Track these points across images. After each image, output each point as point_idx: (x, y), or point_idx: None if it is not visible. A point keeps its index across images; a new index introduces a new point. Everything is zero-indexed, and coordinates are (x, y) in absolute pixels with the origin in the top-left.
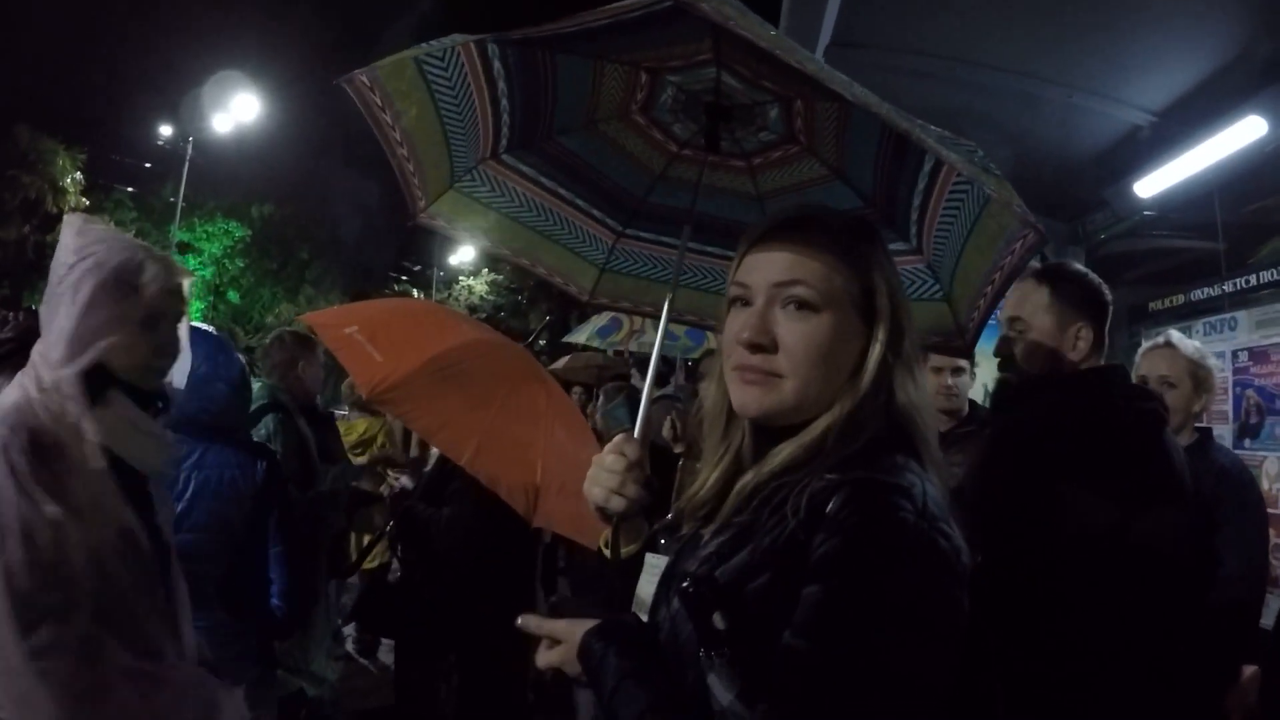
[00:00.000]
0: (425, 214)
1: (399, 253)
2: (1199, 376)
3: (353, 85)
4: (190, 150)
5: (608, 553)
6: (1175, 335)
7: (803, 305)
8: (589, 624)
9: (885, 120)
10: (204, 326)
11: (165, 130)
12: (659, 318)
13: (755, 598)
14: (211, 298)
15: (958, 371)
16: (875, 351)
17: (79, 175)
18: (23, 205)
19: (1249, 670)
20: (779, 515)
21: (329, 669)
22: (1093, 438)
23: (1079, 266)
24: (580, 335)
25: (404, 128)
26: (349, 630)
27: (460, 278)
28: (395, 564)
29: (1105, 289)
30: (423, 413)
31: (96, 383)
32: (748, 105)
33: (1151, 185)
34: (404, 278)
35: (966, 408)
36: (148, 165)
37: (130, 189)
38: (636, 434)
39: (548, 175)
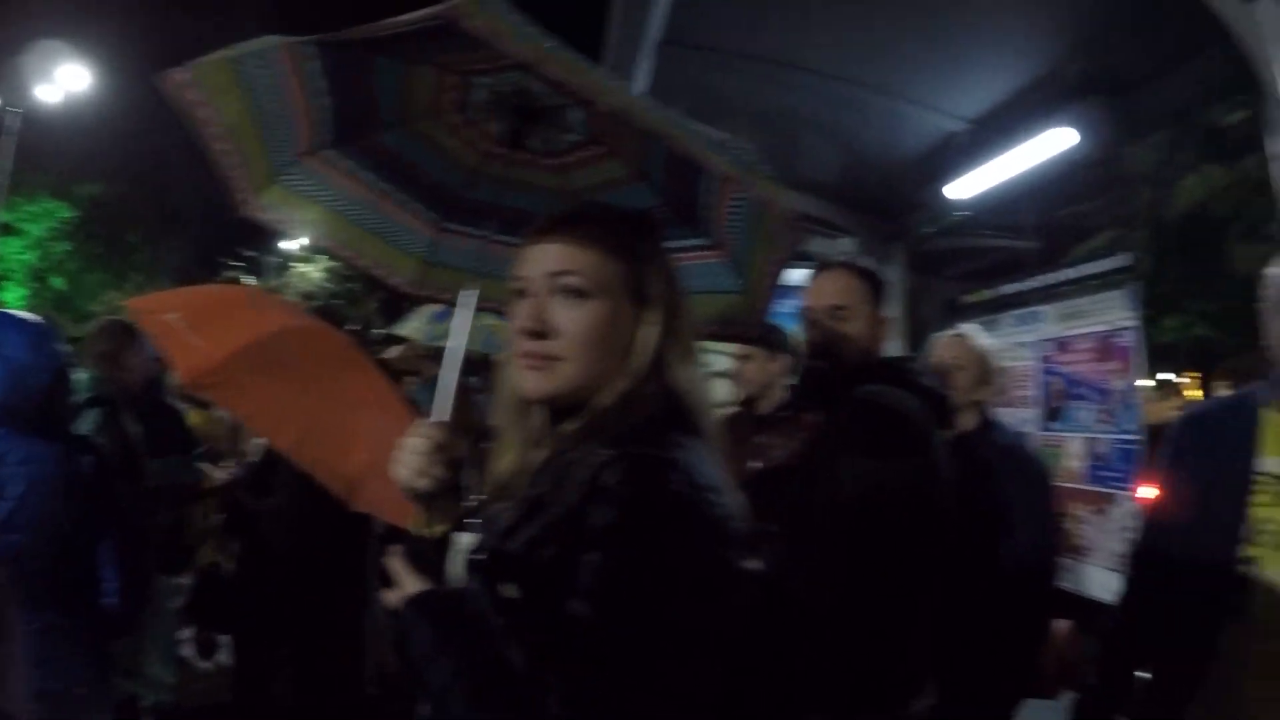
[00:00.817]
0: (252, 206)
1: (236, 238)
2: (985, 366)
3: (169, 83)
4: (14, 123)
5: (423, 533)
6: (967, 328)
7: (575, 293)
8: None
9: (650, 126)
10: (23, 314)
11: None
12: (484, 309)
13: (543, 568)
14: (35, 284)
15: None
16: (647, 334)
17: None
18: None
19: (1061, 626)
20: (563, 489)
21: (165, 672)
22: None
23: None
24: (405, 326)
25: (224, 124)
26: (187, 632)
27: (296, 264)
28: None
29: None
30: (243, 399)
31: None
32: (553, 108)
33: (964, 188)
34: (239, 263)
35: (787, 392)
36: None
37: None
38: (440, 417)
39: (368, 170)
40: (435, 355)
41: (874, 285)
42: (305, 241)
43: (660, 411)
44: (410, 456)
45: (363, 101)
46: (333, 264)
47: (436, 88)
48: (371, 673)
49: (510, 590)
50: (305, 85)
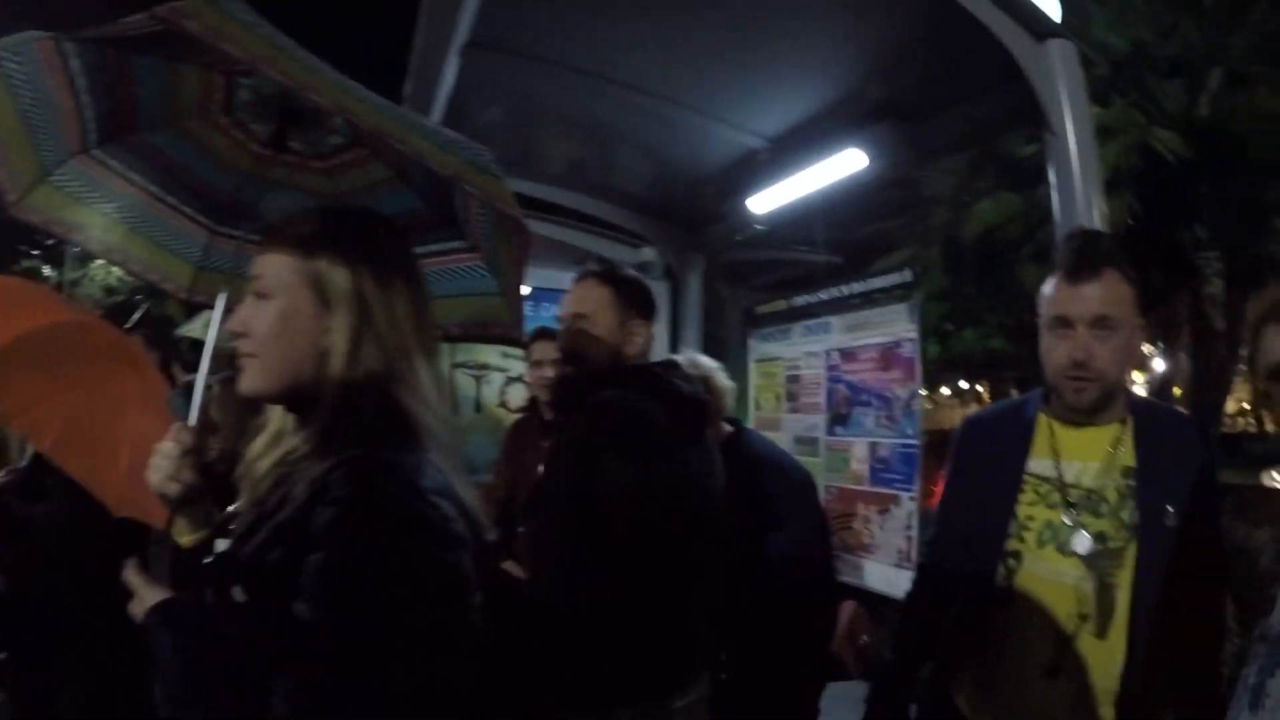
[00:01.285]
0: (18, 206)
1: (27, 235)
2: (712, 386)
3: None
4: None
5: (179, 541)
6: (693, 355)
7: (259, 294)
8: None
9: (374, 127)
10: None
11: None
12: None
13: (270, 570)
14: None
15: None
16: (334, 335)
17: None
18: None
19: (847, 609)
20: (291, 493)
21: None
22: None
23: (630, 270)
24: (194, 327)
25: None
26: None
27: (93, 260)
28: None
29: (651, 291)
30: (3, 394)
31: None
32: (316, 110)
33: (762, 203)
34: (36, 252)
35: None
36: None
37: None
38: (191, 421)
39: (139, 172)
40: (224, 359)
41: (622, 292)
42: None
43: (381, 419)
44: (162, 461)
45: (128, 100)
46: None
47: (202, 87)
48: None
49: (238, 594)
50: (72, 82)
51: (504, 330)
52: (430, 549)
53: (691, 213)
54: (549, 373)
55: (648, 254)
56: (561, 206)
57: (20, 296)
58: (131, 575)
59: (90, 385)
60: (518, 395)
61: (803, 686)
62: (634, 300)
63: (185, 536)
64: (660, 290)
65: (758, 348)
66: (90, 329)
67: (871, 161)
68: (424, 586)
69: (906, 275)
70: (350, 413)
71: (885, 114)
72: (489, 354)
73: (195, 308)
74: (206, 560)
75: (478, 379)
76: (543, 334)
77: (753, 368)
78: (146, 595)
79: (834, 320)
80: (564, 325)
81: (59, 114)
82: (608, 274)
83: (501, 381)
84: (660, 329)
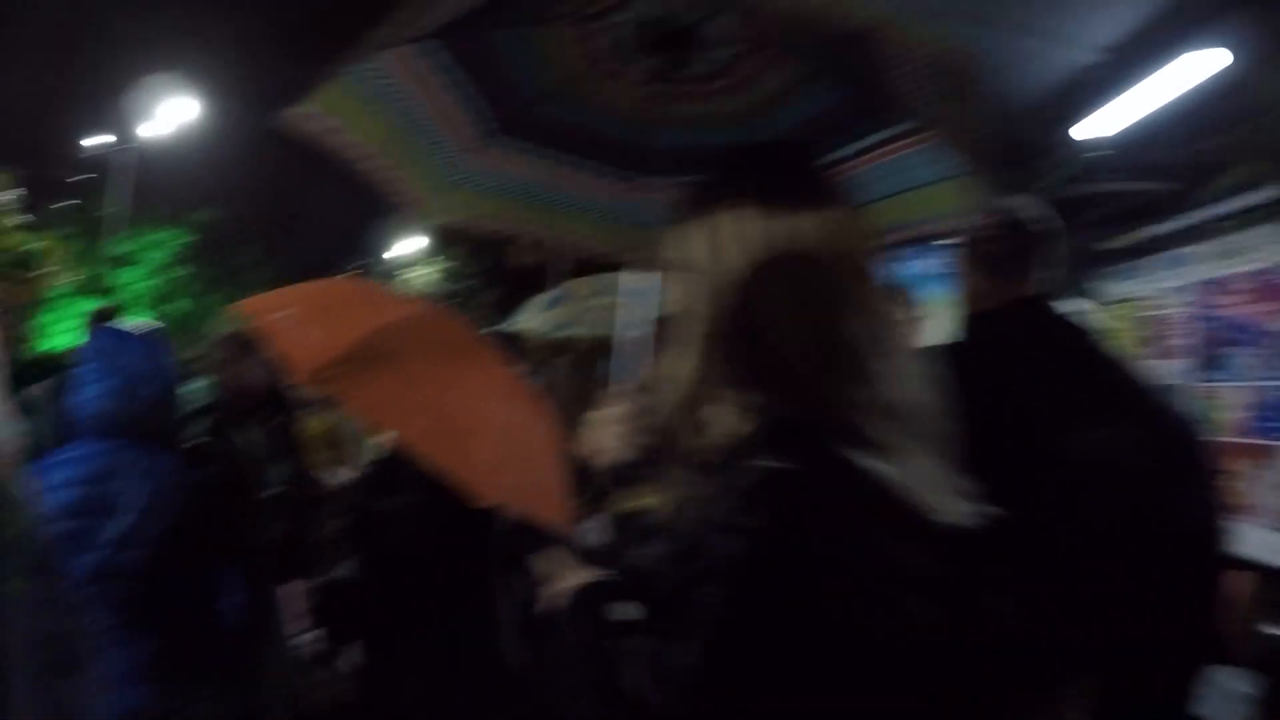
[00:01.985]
0: (427, 212)
1: (350, 247)
2: None
3: (294, 121)
4: (126, 158)
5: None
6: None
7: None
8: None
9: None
10: (135, 325)
11: (100, 139)
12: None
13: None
14: (159, 309)
15: None
16: None
17: (13, 194)
18: None
19: (1242, 581)
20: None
21: (284, 684)
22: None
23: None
24: (517, 322)
25: (366, 143)
26: (309, 637)
27: (411, 266)
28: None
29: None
30: (365, 394)
31: None
32: (697, 24)
33: (1098, 127)
34: (357, 269)
35: None
36: (85, 177)
37: (72, 202)
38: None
39: (542, 148)
40: (551, 348)
41: None
42: (424, 242)
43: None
44: (607, 429)
45: (507, 80)
46: (448, 264)
47: (573, 41)
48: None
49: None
50: (439, 83)
51: (958, 221)
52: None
53: (1012, 148)
54: None
55: None
56: None
57: (364, 296)
58: (552, 558)
59: (445, 375)
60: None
61: (1184, 671)
62: None
63: (628, 505)
64: None
65: (1105, 288)
66: (438, 321)
67: (1235, 61)
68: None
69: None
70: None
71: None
72: None
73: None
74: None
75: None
76: None
77: (1100, 311)
78: (570, 578)
79: (1197, 250)
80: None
81: (435, 118)
82: None
83: None
84: None
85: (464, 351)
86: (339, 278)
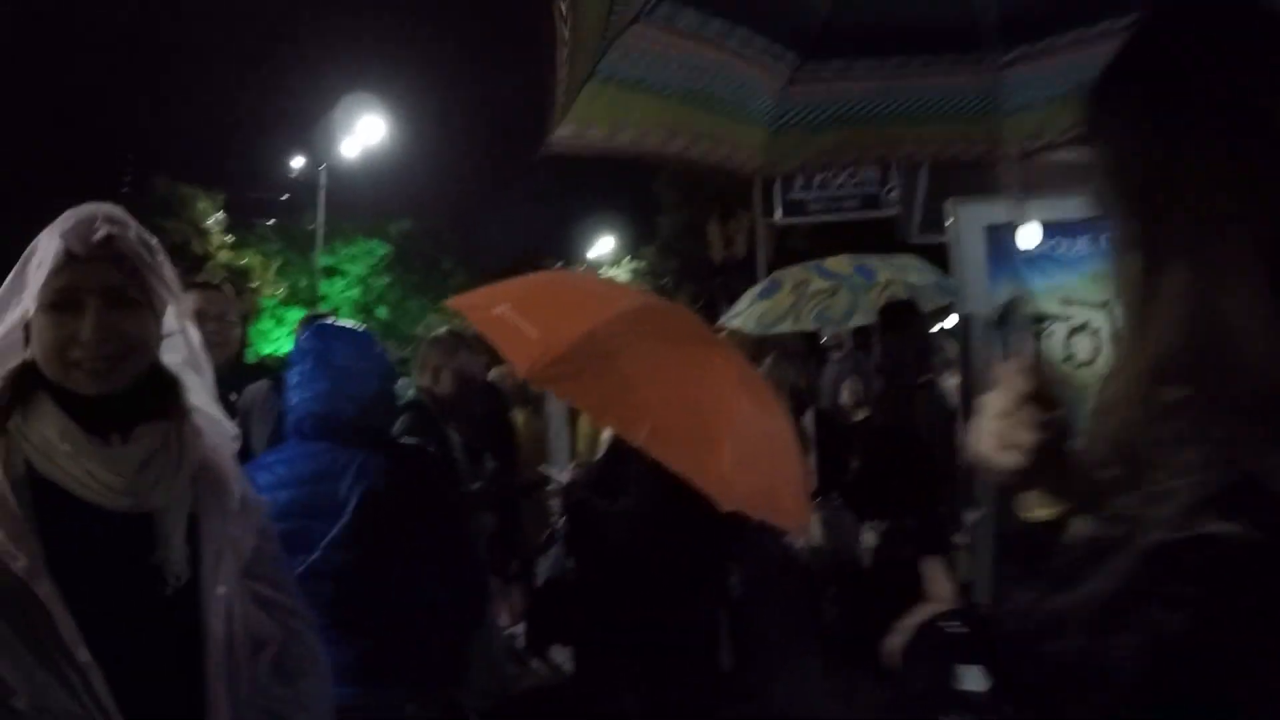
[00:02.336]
0: (555, 141)
1: (539, 252)
2: None
3: (563, 147)
4: (324, 178)
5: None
6: None
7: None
8: None
9: None
10: (348, 324)
11: (298, 161)
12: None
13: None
14: (361, 316)
15: None
16: None
17: (220, 215)
18: (169, 250)
19: None
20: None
21: (490, 679)
22: None
23: None
24: (736, 317)
25: (657, 128)
26: (518, 632)
27: (601, 266)
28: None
29: None
30: (588, 390)
31: (23, 385)
32: None
33: None
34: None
35: None
36: (284, 197)
37: (271, 221)
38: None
39: (711, 17)
40: (761, 343)
41: None
42: (611, 245)
43: None
44: (994, 422)
45: (784, 6)
46: (640, 265)
47: None
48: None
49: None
50: (713, 35)
51: None
52: None
53: None
54: None
55: None
56: None
57: (581, 288)
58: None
59: (675, 370)
60: (1085, 347)
61: None
62: None
63: (1031, 513)
64: None
65: None
66: (663, 311)
67: None
68: None
69: None
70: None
71: None
72: (1047, 302)
73: (707, 306)
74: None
75: (1038, 332)
76: None
77: None
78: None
79: None
80: None
81: (736, 68)
82: None
83: (1065, 333)
84: None
85: (695, 342)
86: (546, 272)
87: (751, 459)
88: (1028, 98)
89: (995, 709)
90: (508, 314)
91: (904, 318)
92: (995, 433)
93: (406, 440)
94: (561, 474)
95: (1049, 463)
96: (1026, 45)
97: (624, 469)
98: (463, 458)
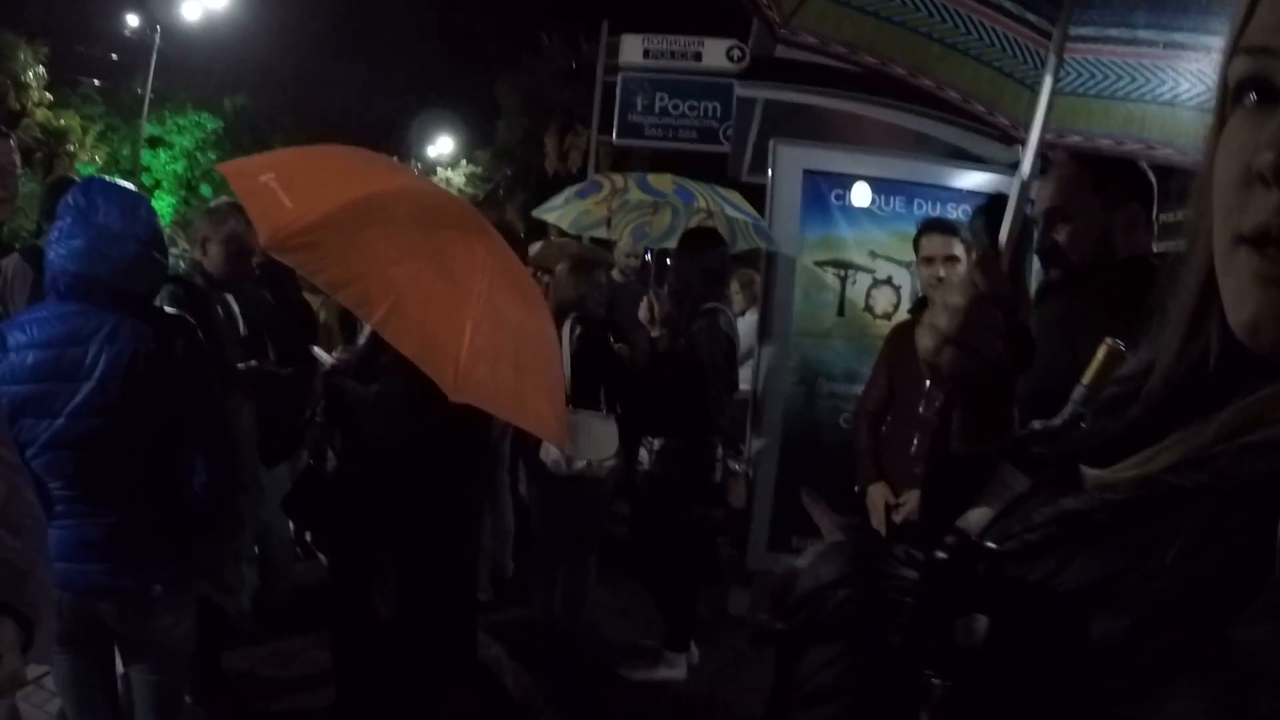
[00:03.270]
0: (787, 28)
1: (375, 145)
2: None
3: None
4: (158, 40)
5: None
6: None
7: None
8: None
9: None
10: (118, 182)
11: (132, 20)
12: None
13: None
14: (184, 191)
15: (950, 261)
16: None
17: (41, 70)
18: None
19: None
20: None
21: (237, 576)
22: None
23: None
24: (551, 211)
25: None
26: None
27: (437, 168)
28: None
29: (1148, 169)
30: (329, 264)
31: None
32: None
33: None
34: None
35: None
36: (114, 57)
37: (97, 82)
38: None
39: None
40: (575, 254)
41: (1101, 174)
42: (450, 146)
43: None
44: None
45: None
46: (474, 169)
47: None
48: (485, 578)
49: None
50: None
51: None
52: None
53: None
54: (942, 272)
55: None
56: (917, 88)
57: (358, 163)
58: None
59: (431, 254)
60: (885, 300)
61: None
62: (1121, 181)
63: (963, 444)
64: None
65: None
66: (436, 197)
67: None
68: None
69: None
70: None
71: None
72: (855, 252)
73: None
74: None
75: (842, 279)
76: (934, 226)
77: None
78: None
79: None
80: (1038, 223)
81: None
82: (1086, 156)
83: (868, 284)
84: None
85: (458, 233)
86: (327, 145)
87: (498, 354)
88: (1076, 84)
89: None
90: (270, 182)
91: (700, 244)
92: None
93: (174, 311)
94: (326, 356)
95: (1002, 378)
96: (1097, 27)
97: (380, 354)
98: (239, 336)
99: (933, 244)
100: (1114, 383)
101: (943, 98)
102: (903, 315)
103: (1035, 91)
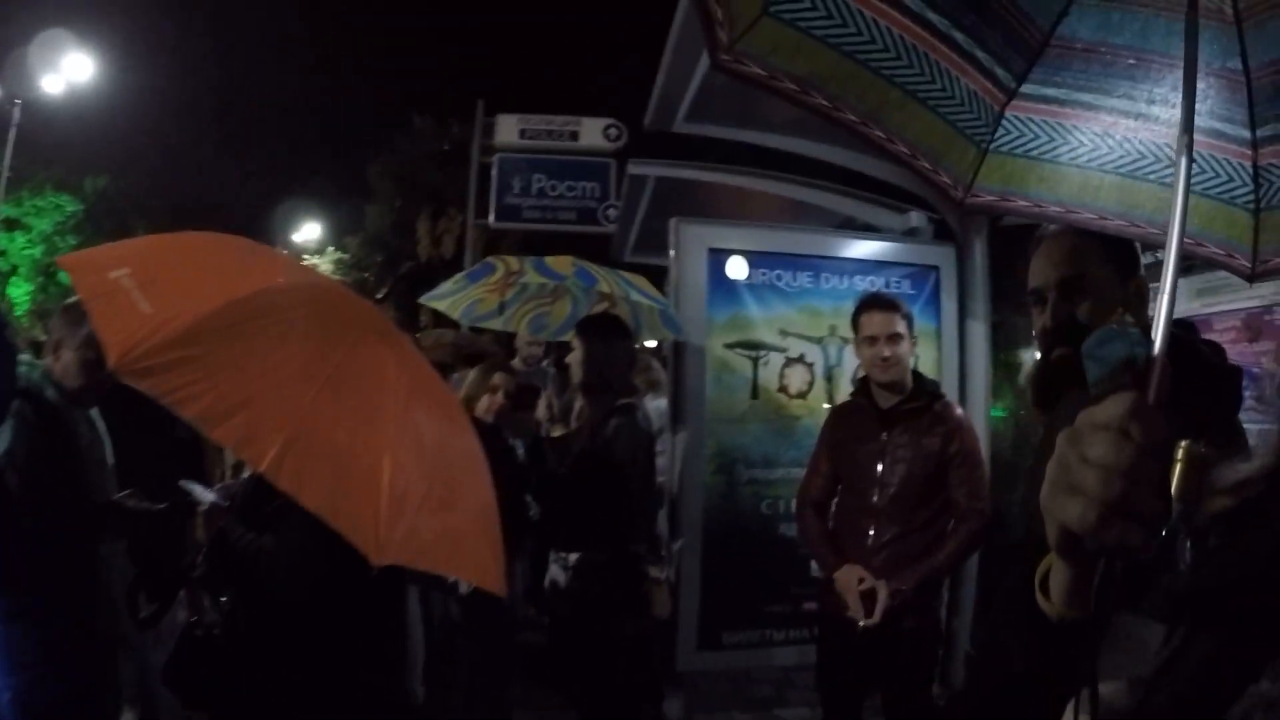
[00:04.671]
0: (731, 53)
1: (239, 230)
2: None
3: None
4: (18, 115)
5: (1048, 604)
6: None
7: None
8: None
9: None
10: None
11: None
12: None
13: None
14: (41, 278)
15: (894, 339)
16: None
17: None
18: None
19: None
20: None
21: None
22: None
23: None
24: (441, 298)
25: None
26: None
27: (304, 255)
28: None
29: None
30: (199, 390)
31: None
32: None
33: None
34: None
35: (910, 380)
36: None
37: None
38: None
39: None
40: (458, 345)
41: (1112, 243)
42: (317, 232)
43: None
44: (1094, 473)
45: None
46: (344, 255)
47: None
48: None
49: None
50: None
51: (1226, 254)
52: None
53: None
54: (887, 351)
55: (915, 219)
56: (810, 160)
57: (232, 256)
58: None
59: (331, 371)
60: (799, 379)
61: None
62: (1129, 250)
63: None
64: (943, 256)
65: None
66: (330, 294)
67: None
68: None
69: None
70: None
71: None
72: (765, 332)
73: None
74: None
75: (754, 360)
76: (875, 303)
77: None
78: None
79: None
80: (1049, 294)
81: None
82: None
83: (780, 364)
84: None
85: (358, 337)
86: (196, 233)
87: (425, 493)
88: (1012, 144)
89: None
90: (124, 280)
91: (612, 331)
92: (1111, 496)
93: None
94: (206, 493)
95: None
96: (1036, 85)
97: (272, 495)
98: (106, 464)
99: (874, 322)
100: (1223, 493)
101: (891, 150)
102: (819, 394)
103: (981, 149)
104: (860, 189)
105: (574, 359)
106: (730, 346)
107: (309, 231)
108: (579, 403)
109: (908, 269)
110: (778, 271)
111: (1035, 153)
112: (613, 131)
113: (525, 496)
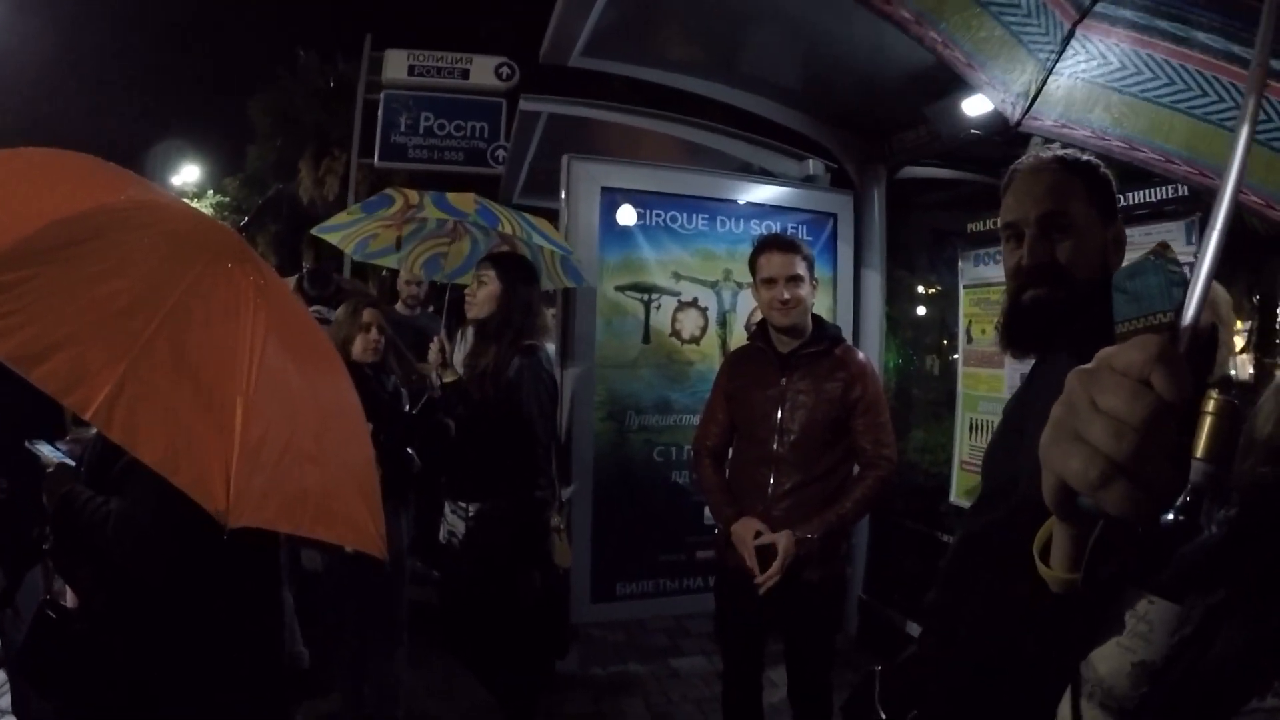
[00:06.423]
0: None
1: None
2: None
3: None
4: None
5: (1048, 569)
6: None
7: None
8: None
9: None
10: None
11: None
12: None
13: None
14: None
15: (795, 281)
16: None
17: None
18: None
19: None
20: None
21: None
22: None
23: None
24: (335, 230)
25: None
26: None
27: (182, 199)
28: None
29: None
30: (15, 324)
31: None
32: None
33: (975, 104)
34: None
35: (810, 325)
36: None
37: None
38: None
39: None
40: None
41: (1095, 185)
42: (196, 175)
43: None
44: (1103, 424)
45: None
46: (224, 198)
47: None
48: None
49: None
50: None
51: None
52: None
53: (878, 118)
54: (786, 294)
55: (813, 166)
56: (709, 101)
57: (78, 172)
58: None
59: (176, 302)
60: (692, 323)
61: None
62: (1111, 194)
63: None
64: (841, 204)
65: (971, 271)
66: (179, 215)
67: None
68: None
69: (1184, 190)
70: None
71: None
72: (658, 274)
73: (288, 250)
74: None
75: (646, 304)
76: (774, 244)
77: (964, 295)
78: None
79: None
80: (1029, 230)
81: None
82: (1078, 161)
83: (673, 307)
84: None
85: (211, 260)
86: (57, 150)
87: (286, 442)
88: (1079, 67)
89: None
90: None
91: (520, 271)
92: (1121, 452)
93: None
94: (54, 452)
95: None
96: (1113, 5)
97: (118, 453)
98: None
99: (773, 263)
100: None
101: (945, 56)
102: (712, 340)
103: (1045, 68)
104: (759, 134)
105: (482, 295)
106: (622, 289)
107: (188, 174)
108: (467, 344)
109: (805, 215)
110: (672, 213)
111: (1104, 80)
112: (505, 70)
113: (408, 449)
